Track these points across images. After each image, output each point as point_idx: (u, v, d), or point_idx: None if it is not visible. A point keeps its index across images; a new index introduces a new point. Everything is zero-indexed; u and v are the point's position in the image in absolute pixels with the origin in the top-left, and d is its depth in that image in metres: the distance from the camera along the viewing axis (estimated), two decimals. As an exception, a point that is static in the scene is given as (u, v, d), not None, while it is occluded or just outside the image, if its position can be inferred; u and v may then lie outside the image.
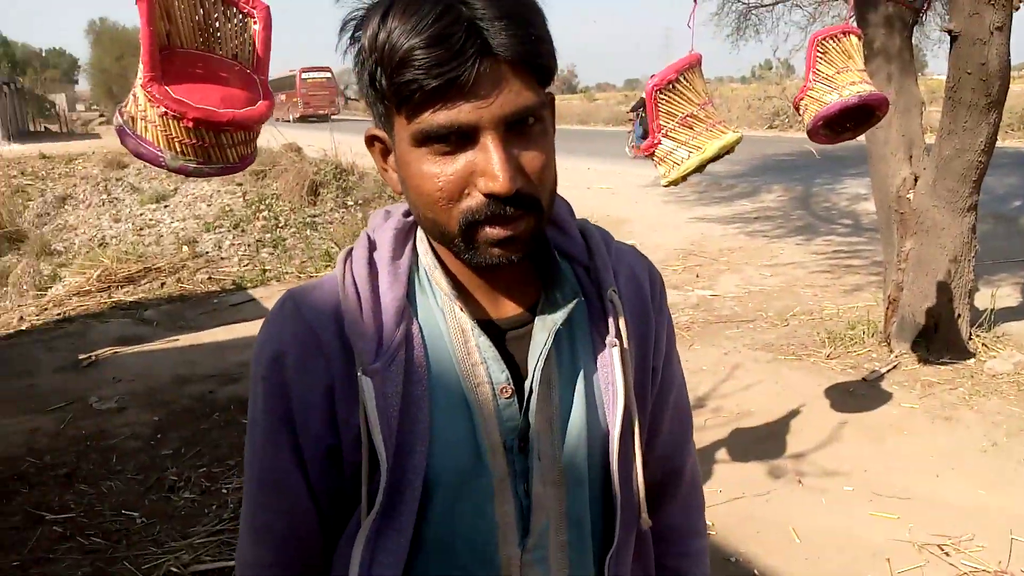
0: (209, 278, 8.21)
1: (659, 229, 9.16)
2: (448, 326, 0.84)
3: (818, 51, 3.09)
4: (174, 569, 2.97)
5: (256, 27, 1.66)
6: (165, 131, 1.41)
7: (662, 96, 2.71)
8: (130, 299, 7.33)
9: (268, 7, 1.58)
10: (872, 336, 4.80)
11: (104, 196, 13.71)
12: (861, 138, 4.31)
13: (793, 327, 5.34)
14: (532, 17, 0.74)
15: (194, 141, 1.42)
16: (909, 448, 3.60)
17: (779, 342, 5.04)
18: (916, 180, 4.40)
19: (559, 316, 0.85)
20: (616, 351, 0.86)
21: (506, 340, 0.86)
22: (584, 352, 0.88)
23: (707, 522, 1.17)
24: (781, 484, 3.40)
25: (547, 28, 0.76)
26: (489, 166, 0.73)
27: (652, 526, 0.98)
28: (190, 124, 1.39)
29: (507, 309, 0.87)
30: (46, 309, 7.13)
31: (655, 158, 2.81)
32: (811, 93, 3.06)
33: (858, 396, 4.14)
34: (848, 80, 3.09)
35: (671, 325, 1.01)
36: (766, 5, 11.33)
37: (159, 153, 1.43)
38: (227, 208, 11.71)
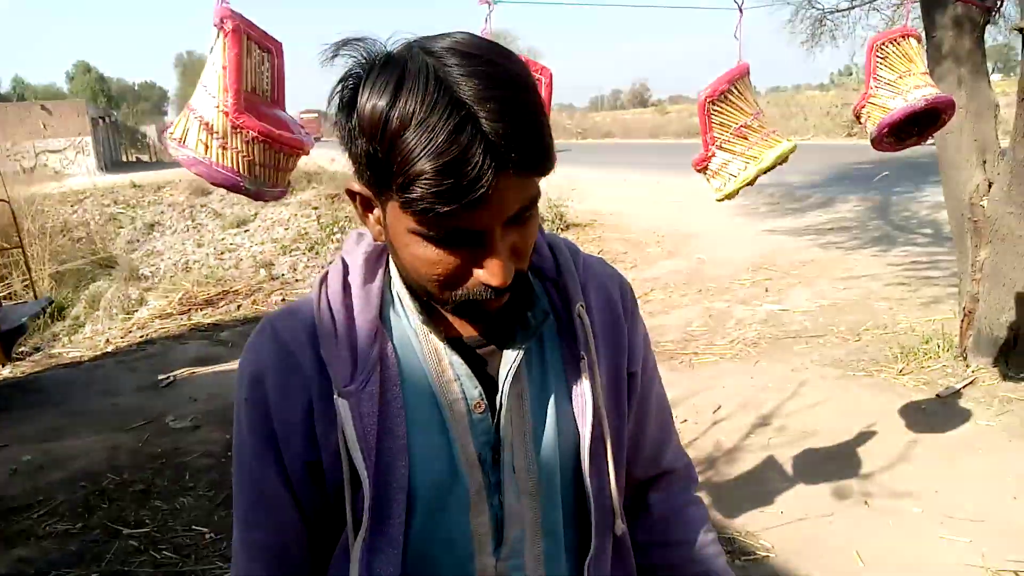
0: (283, 300, 8.47)
1: (728, 243, 9.00)
2: (421, 345, 0.87)
3: (877, 56, 3.00)
4: (238, 583, 3.07)
5: (275, 61, 1.75)
6: (247, 156, 1.51)
7: (715, 107, 2.68)
8: (208, 321, 7.63)
9: (281, 44, 1.68)
10: (948, 351, 4.60)
11: (189, 222, 14.36)
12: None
13: (865, 342, 5.16)
14: (541, 126, 0.74)
15: (270, 164, 1.54)
16: (984, 468, 3.43)
17: (849, 358, 4.88)
18: (990, 186, 4.22)
19: (531, 334, 0.88)
20: (584, 364, 0.89)
21: (477, 358, 0.88)
22: (554, 366, 0.91)
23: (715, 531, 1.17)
24: (846, 506, 3.28)
25: (548, 127, 0.76)
26: (490, 265, 0.76)
27: (649, 524, 1.06)
28: (277, 148, 1.51)
29: (473, 328, 0.89)
30: (130, 332, 7.49)
31: (708, 172, 2.77)
32: (873, 100, 2.98)
33: (931, 414, 3.97)
34: (912, 84, 3.00)
35: (645, 330, 1.04)
36: (841, 10, 11.05)
37: (237, 178, 1.54)
38: (303, 231, 12.09)
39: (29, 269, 7.54)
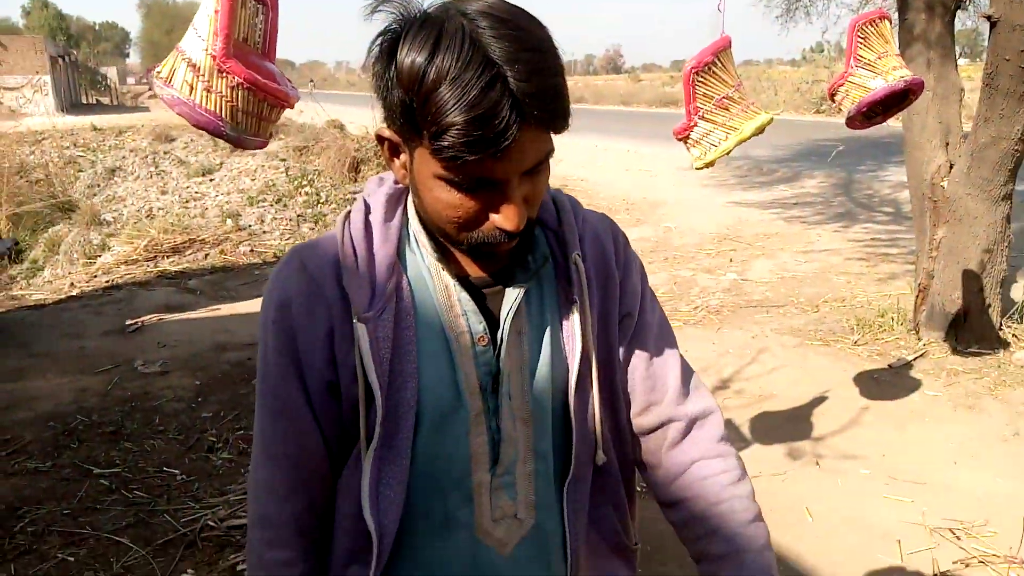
0: (251, 251, 8.42)
1: (695, 212, 9.15)
2: (434, 282, 0.96)
3: (858, 36, 3.11)
4: (211, 524, 3.13)
5: (269, 14, 1.77)
6: (231, 102, 1.53)
7: (699, 78, 2.76)
8: (175, 269, 7.57)
9: None
10: (901, 324, 4.79)
11: (152, 168, 14.05)
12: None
13: (823, 313, 5.34)
14: (562, 87, 0.82)
15: (254, 113, 1.55)
16: (929, 435, 3.62)
17: (807, 328, 5.06)
18: (951, 168, 4.37)
19: (530, 275, 0.97)
20: (575, 307, 0.99)
21: (483, 296, 0.97)
22: (551, 307, 1.00)
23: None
24: (799, 465, 3.45)
25: (567, 88, 0.84)
26: (507, 212, 0.84)
27: (658, 480, 1.10)
28: (261, 96, 1.52)
29: (481, 269, 0.98)
30: (95, 276, 7.40)
31: (688, 141, 2.85)
32: (853, 79, 3.08)
33: (882, 383, 4.16)
34: (890, 65, 3.12)
35: (644, 273, 1.12)
36: (818, -14, 11.11)
37: (220, 122, 1.56)
38: (270, 183, 11.94)
39: (-12, 209, 7.38)
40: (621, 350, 1.07)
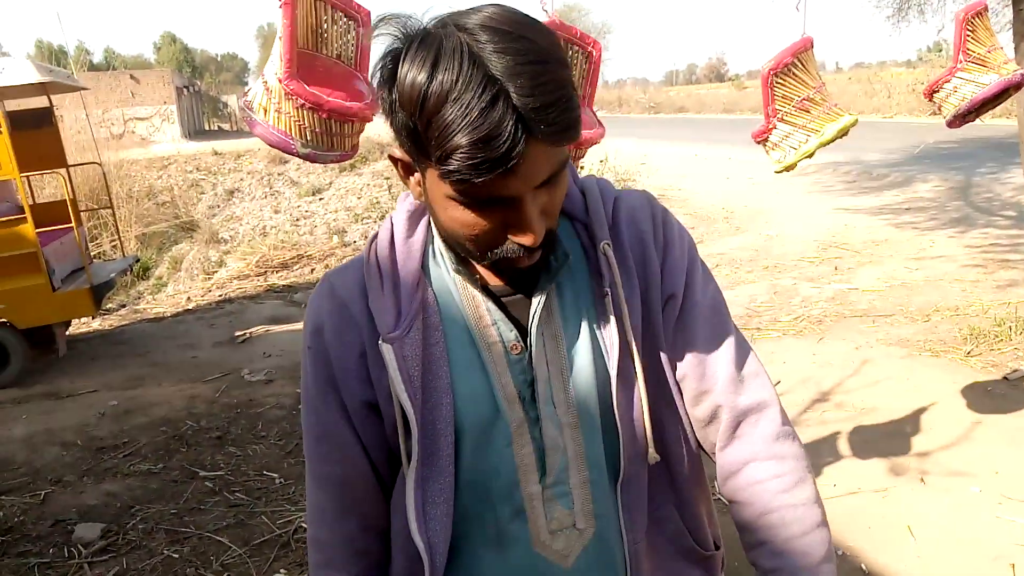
0: (353, 265, 8.72)
1: (798, 219, 8.84)
2: (460, 294, 0.95)
3: (967, 29, 2.96)
4: (304, 525, 3.25)
5: (360, 30, 1.84)
6: (299, 121, 1.62)
7: (778, 80, 2.69)
8: (283, 283, 7.93)
9: (369, 12, 1.76)
10: (1021, 334, 4.48)
11: (267, 189, 14.79)
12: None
13: (934, 323, 5.05)
14: (570, 98, 0.77)
15: (323, 130, 1.63)
16: (1049, 452, 3.36)
17: (916, 338, 4.79)
18: (1074, 166, 4.07)
19: (552, 276, 0.93)
20: (609, 300, 0.94)
21: (510, 303, 0.95)
22: (585, 302, 0.96)
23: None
24: (902, 482, 3.27)
25: (576, 98, 0.79)
26: (523, 226, 0.82)
27: (720, 477, 1.02)
28: (325, 115, 1.60)
29: (504, 278, 0.96)
30: (210, 291, 7.84)
31: (768, 144, 2.79)
32: (962, 75, 2.94)
33: (996, 396, 3.89)
34: (1001, 59, 2.96)
35: (692, 248, 1.02)
36: (931, -18, 10.57)
37: (290, 141, 1.65)
38: (375, 200, 12.35)
39: (118, 230, 7.95)
40: (670, 334, 0.99)
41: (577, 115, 0.79)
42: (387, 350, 0.89)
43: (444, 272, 0.96)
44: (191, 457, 3.99)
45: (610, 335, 0.94)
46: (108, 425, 4.46)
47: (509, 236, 0.84)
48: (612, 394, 0.94)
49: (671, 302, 0.99)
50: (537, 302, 0.93)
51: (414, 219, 0.98)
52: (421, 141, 0.78)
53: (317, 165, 15.52)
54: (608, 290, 0.94)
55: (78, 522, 3.38)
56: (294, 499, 3.50)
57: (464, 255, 0.91)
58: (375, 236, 0.98)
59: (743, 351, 1.01)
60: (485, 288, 0.94)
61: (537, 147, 0.76)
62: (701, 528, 1.05)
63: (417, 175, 0.87)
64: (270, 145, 1.74)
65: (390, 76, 0.80)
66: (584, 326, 0.96)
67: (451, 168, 0.75)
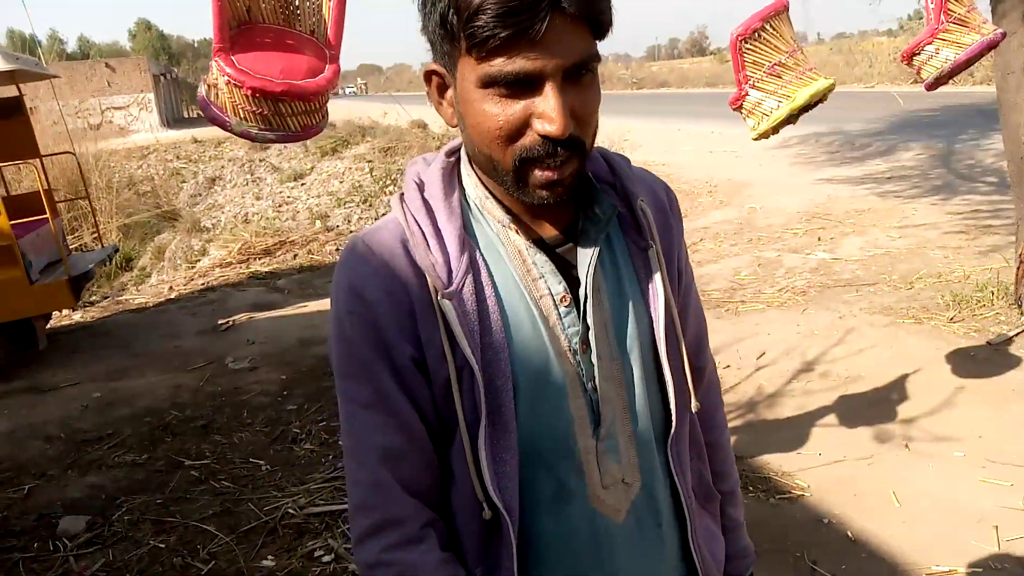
0: (337, 250, 8.66)
1: (782, 192, 8.84)
2: (506, 248, 0.94)
3: None
4: (291, 511, 3.24)
5: (332, 4, 1.79)
6: (231, 98, 1.56)
7: (747, 46, 2.65)
8: (266, 270, 7.86)
9: None
10: (1002, 299, 4.50)
11: (248, 176, 14.66)
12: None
13: (917, 290, 5.07)
14: None
15: (254, 108, 1.58)
16: (1032, 414, 3.38)
17: (899, 306, 4.81)
18: (1053, 129, 4.07)
19: (602, 228, 0.95)
20: (652, 252, 0.98)
21: (557, 256, 0.95)
22: (623, 259, 0.98)
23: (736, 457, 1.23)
24: (886, 449, 3.29)
25: None
26: (548, 111, 0.82)
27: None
28: (248, 92, 1.54)
29: (551, 229, 0.96)
30: (192, 280, 7.77)
31: (743, 111, 2.76)
32: (944, 35, 2.91)
33: (980, 361, 3.91)
34: (979, 19, 2.95)
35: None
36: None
37: (226, 118, 1.60)
38: (357, 184, 12.27)
39: (96, 221, 7.85)
40: (679, 300, 1.07)
41: (608, 6, 0.84)
42: (448, 307, 0.88)
43: (487, 228, 0.95)
44: (176, 447, 3.96)
45: (655, 287, 0.98)
46: (91, 417, 4.42)
47: (534, 127, 0.84)
48: (659, 343, 0.98)
49: (680, 274, 1.07)
50: (591, 253, 0.94)
51: (448, 178, 0.97)
52: (452, 28, 0.82)
53: (298, 150, 15.32)
54: (652, 243, 0.97)
55: (63, 515, 3.35)
56: (280, 486, 3.48)
57: (492, 174, 0.91)
58: (402, 197, 0.96)
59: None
60: (531, 240, 0.94)
61: (562, 19, 0.79)
62: (707, 472, 1.14)
63: (450, 93, 0.91)
64: (213, 123, 1.69)
65: None
66: (628, 279, 0.98)
67: (478, 25, 0.79)
